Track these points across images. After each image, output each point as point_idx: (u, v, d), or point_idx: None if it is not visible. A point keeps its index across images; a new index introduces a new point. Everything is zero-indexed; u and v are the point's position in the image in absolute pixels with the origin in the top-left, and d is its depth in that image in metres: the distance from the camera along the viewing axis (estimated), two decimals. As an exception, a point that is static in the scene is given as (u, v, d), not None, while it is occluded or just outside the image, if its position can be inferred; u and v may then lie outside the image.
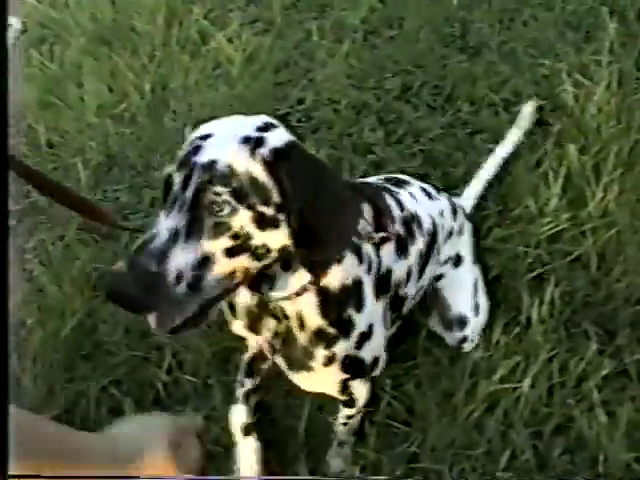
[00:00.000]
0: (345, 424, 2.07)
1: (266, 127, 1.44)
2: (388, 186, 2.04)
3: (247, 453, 2.05)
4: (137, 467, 1.37)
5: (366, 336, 1.68)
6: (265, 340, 1.71)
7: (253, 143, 1.38)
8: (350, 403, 1.97)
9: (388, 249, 1.77)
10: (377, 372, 1.83)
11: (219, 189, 1.32)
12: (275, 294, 1.54)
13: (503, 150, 2.75)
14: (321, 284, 1.55)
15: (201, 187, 1.33)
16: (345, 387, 1.81)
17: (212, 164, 1.34)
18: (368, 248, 1.67)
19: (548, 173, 2.77)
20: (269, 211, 1.37)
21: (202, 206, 1.33)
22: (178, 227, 1.31)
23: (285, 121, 2.61)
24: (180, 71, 3.44)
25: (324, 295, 1.56)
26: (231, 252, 1.36)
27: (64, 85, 3.50)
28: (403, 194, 2.03)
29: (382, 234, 1.71)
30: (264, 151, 1.38)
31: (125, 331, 2.57)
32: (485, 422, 2.23)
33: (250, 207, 1.35)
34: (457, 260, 2.31)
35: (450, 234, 2.22)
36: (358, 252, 1.63)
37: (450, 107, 3.11)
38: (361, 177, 2.79)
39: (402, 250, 1.86)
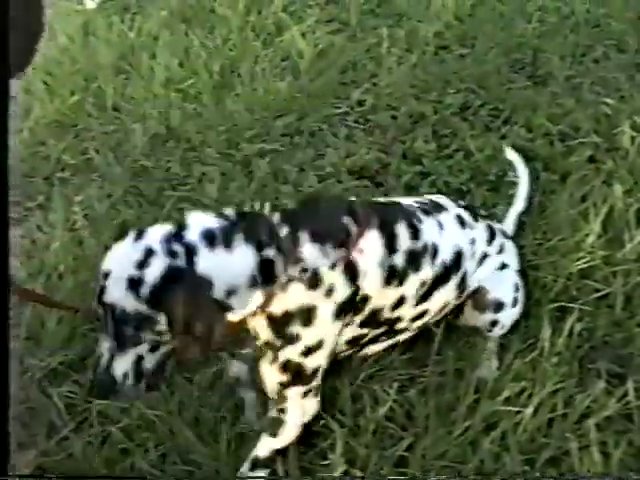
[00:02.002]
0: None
1: (143, 261, 1.73)
2: (416, 212, 2.18)
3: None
4: None
5: (313, 348, 1.97)
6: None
7: (135, 285, 1.72)
8: (276, 427, 2.08)
9: (371, 281, 1.99)
10: (315, 383, 2.04)
11: (125, 328, 1.76)
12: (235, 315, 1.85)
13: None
14: (267, 310, 1.88)
15: (114, 324, 1.77)
16: (284, 388, 2.02)
17: (113, 308, 1.75)
18: (334, 277, 1.92)
19: (590, 209, 2.77)
20: (163, 328, 1.76)
21: (122, 334, 1.77)
22: (112, 346, 1.80)
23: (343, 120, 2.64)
24: (250, 57, 3.52)
25: (270, 317, 1.91)
26: (152, 349, 1.81)
27: (138, 54, 3.62)
28: (427, 223, 2.17)
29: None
30: (144, 292, 1.72)
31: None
32: (481, 441, 2.22)
33: (151, 331, 1.77)
34: (502, 266, 2.40)
35: (484, 257, 2.33)
36: (313, 281, 1.89)
37: (506, 131, 3.12)
38: (408, 188, 2.85)
39: (392, 279, 2.05)
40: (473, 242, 2.29)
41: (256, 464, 2.10)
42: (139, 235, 1.78)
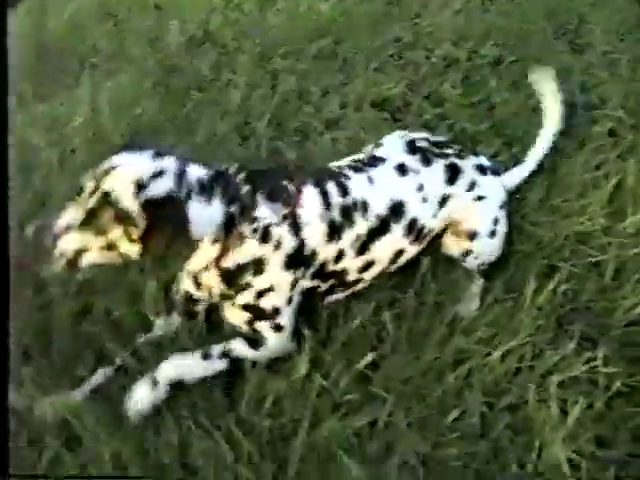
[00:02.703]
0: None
1: (156, 175, 1.98)
2: (344, 171, 2.34)
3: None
4: None
5: (264, 292, 2.19)
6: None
7: (142, 188, 1.95)
8: (256, 342, 2.24)
9: (314, 234, 2.20)
10: (283, 321, 2.24)
11: (106, 214, 1.95)
12: (191, 268, 2.19)
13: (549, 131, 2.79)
14: (221, 265, 2.14)
15: (95, 206, 1.96)
16: (251, 323, 2.23)
17: (108, 194, 1.95)
18: (281, 232, 2.15)
19: (601, 179, 2.79)
20: (135, 233, 1.96)
21: (94, 216, 1.97)
22: (75, 222, 1.97)
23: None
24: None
25: (221, 271, 2.15)
26: (100, 249, 2.00)
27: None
28: (356, 180, 2.32)
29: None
30: (146, 197, 1.95)
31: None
32: (446, 374, 2.28)
33: (125, 226, 1.96)
34: (477, 199, 2.46)
35: (445, 198, 2.41)
36: (264, 236, 2.13)
37: (534, 91, 3.12)
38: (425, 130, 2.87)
39: (333, 235, 2.24)
40: (421, 188, 2.36)
41: (227, 354, 2.22)
42: (158, 154, 2.04)
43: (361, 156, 2.45)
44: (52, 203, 2.61)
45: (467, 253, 2.49)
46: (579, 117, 3.03)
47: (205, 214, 2.04)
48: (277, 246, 2.16)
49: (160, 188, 1.98)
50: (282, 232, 2.16)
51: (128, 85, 3.13)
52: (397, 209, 2.33)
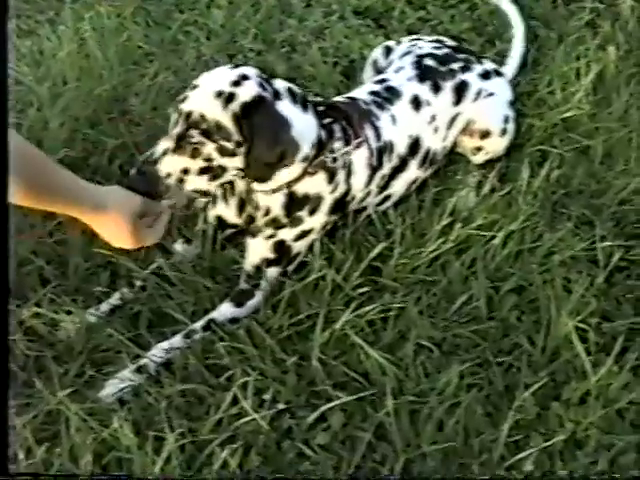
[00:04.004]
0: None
1: (239, 81, 2.01)
2: (372, 109, 2.36)
3: None
4: (104, 213, 1.90)
5: (305, 234, 2.25)
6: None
7: (225, 98, 1.98)
8: (244, 298, 2.24)
9: (359, 181, 2.29)
10: (292, 266, 2.29)
11: (193, 132, 1.98)
12: (258, 187, 2.16)
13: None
14: (290, 189, 2.16)
15: (182, 129, 1.99)
16: (259, 270, 2.26)
17: (190, 114, 1.98)
18: (341, 176, 2.22)
19: (583, 68, 2.86)
20: (229, 145, 2.00)
21: (184, 138, 1.99)
22: (169, 148, 2.00)
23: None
24: None
25: (289, 196, 2.18)
26: (201, 170, 2.03)
27: None
28: (383, 120, 2.36)
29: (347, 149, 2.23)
30: (234, 106, 1.98)
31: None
32: (451, 263, 2.37)
33: (215, 142, 1.99)
34: (488, 95, 2.55)
35: (455, 117, 2.51)
36: (331, 175, 2.20)
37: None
38: (409, 34, 2.91)
39: (369, 181, 2.32)
40: (433, 119, 2.45)
41: (209, 326, 2.19)
42: (236, 66, 2.09)
43: (376, 87, 2.47)
44: (48, 140, 2.62)
45: (479, 149, 2.58)
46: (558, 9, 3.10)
47: (302, 120, 2.09)
48: (334, 189, 2.23)
49: (246, 93, 2.00)
50: (340, 175, 2.23)
51: (109, 14, 3.13)
52: (414, 146, 2.43)
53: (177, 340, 2.15)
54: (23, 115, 2.76)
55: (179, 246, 2.38)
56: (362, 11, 3.17)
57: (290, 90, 2.11)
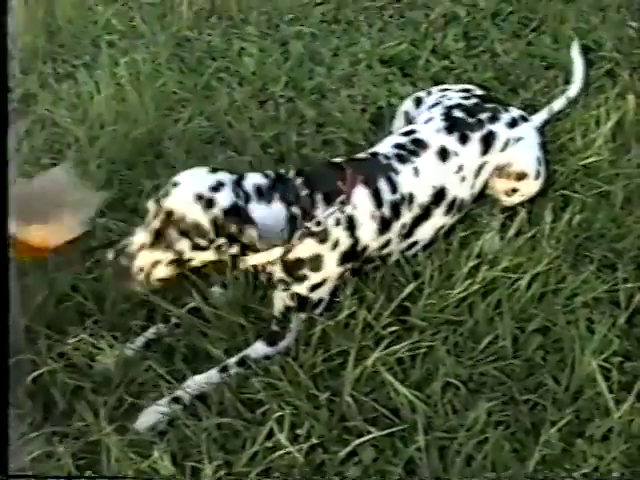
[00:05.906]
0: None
1: (217, 187, 2.17)
2: (392, 163, 2.47)
3: None
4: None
5: (317, 286, 2.37)
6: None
7: (205, 202, 2.14)
8: (277, 337, 2.35)
9: (366, 232, 2.39)
10: (319, 310, 2.40)
11: (171, 231, 2.12)
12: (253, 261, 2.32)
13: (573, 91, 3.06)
14: (284, 258, 2.30)
15: (161, 225, 2.13)
16: (286, 316, 2.38)
17: (171, 213, 2.13)
18: (338, 232, 2.33)
19: (602, 116, 2.95)
20: (203, 242, 2.16)
21: (161, 235, 2.13)
22: (145, 243, 2.14)
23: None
24: None
25: (284, 263, 2.33)
26: (170, 262, 2.17)
27: None
28: (403, 173, 2.47)
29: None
30: (215, 211, 2.14)
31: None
32: (477, 304, 2.43)
33: (190, 239, 2.14)
34: (518, 139, 2.66)
35: (482, 166, 2.61)
36: (323, 236, 2.31)
37: (533, 38, 3.28)
38: (434, 82, 3.01)
39: (383, 230, 2.42)
40: (460, 169, 2.56)
41: (243, 362, 2.29)
42: (213, 170, 2.22)
43: (403, 139, 2.57)
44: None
45: (514, 190, 2.68)
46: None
47: (268, 216, 2.23)
48: (334, 245, 2.34)
49: (224, 200, 2.15)
50: (339, 232, 2.34)
51: (144, 60, 3.24)
52: (439, 195, 2.53)
53: (212, 374, 2.24)
54: (60, 156, 2.86)
55: (216, 289, 2.47)
56: (388, 60, 3.28)
57: (258, 189, 2.25)
